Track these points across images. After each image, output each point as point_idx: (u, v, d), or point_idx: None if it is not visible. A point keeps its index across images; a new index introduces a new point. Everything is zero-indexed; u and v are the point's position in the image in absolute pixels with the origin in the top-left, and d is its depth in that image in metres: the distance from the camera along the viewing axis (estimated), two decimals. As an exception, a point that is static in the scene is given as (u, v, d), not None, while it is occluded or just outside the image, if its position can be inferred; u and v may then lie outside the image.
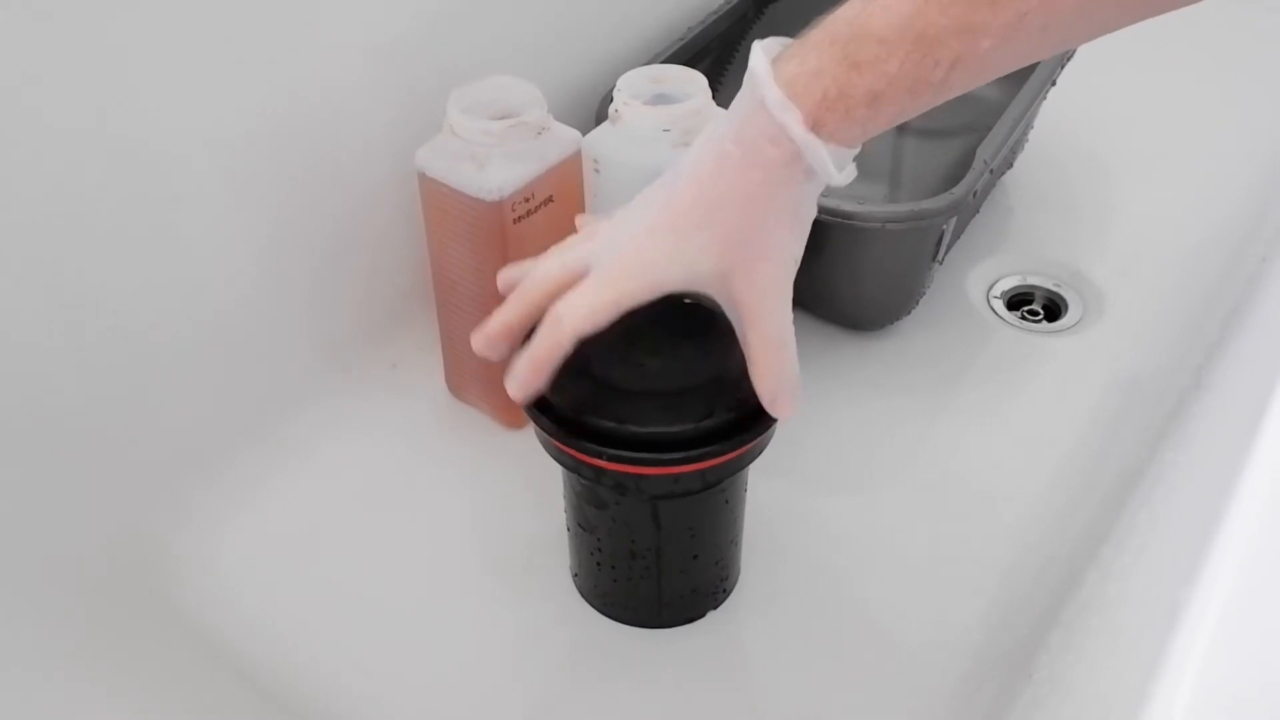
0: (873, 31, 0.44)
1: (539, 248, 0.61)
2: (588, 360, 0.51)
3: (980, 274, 0.78)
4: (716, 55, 0.86)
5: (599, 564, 0.56)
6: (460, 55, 0.70)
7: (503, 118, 0.59)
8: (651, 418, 0.49)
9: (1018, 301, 0.77)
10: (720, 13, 0.86)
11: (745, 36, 0.89)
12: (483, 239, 0.60)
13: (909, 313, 0.73)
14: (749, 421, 0.49)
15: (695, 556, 0.55)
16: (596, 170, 0.62)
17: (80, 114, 0.52)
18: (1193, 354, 0.68)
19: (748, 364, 0.49)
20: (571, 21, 0.79)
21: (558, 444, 0.50)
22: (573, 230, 0.54)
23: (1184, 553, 0.41)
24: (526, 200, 0.59)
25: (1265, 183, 0.84)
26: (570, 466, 0.52)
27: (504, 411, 0.66)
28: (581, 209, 0.63)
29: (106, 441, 0.58)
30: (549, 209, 0.61)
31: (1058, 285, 0.78)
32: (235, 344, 0.63)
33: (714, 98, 0.62)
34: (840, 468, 0.65)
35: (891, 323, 0.73)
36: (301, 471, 0.65)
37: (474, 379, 0.67)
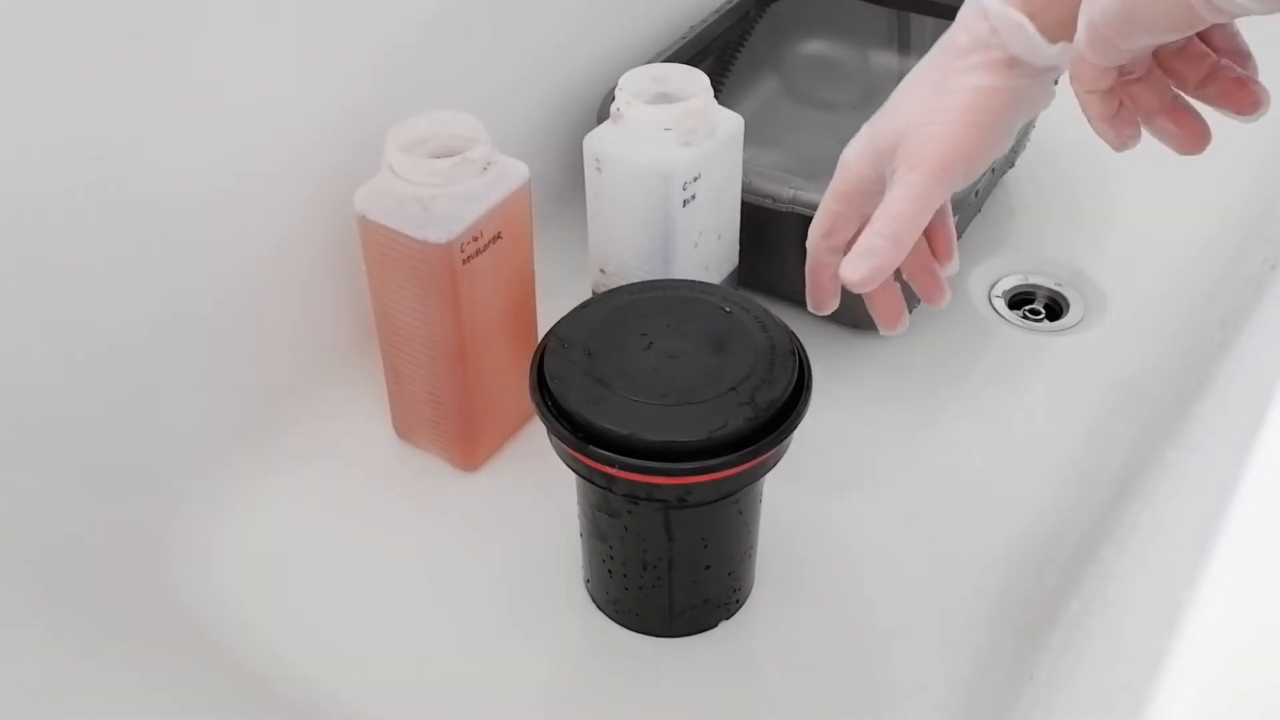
0: None
1: (489, 286, 0.59)
2: (603, 367, 0.51)
3: (982, 273, 0.78)
4: (719, 54, 0.86)
5: (610, 572, 0.55)
6: (462, 52, 0.70)
7: (445, 154, 0.57)
8: (665, 426, 0.48)
9: (1019, 301, 0.77)
10: (722, 11, 0.86)
11: (747, 36, 0.88)
12: (431, 282, 0.57)
13: (910, 311, 0.73)
14: (764, 432, 0.49)
15: (707, 567, 0.54)
16: (598, 169, 0.62)
17: (79, 143, 0.52)
18: (1194, 354, 0.68)
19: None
20: (574, 20, 0.79)
21: (570, 451, 0.49)
22: (522, 266, 0.54)
23: (1186, 554, 0.41)
24: (475, 239, 0.56)
25: (1268, 183, 0.84)
26: (583, 474, 0.51)
27: (461, 456, 0.64)
28: (531, 243, 0.61)
29: (102, 439, 0.58)
30: (498, 246, 0.58)
31: (1059, 285, 0.78)
32: (227, 341, 0.63)
33: (716, 97, 0.62)
34: (841, 467, 0.65)
35: (893, 322, 0.73)
36: (300, 470, 0.64)
37: (423, 422, 0.64)
